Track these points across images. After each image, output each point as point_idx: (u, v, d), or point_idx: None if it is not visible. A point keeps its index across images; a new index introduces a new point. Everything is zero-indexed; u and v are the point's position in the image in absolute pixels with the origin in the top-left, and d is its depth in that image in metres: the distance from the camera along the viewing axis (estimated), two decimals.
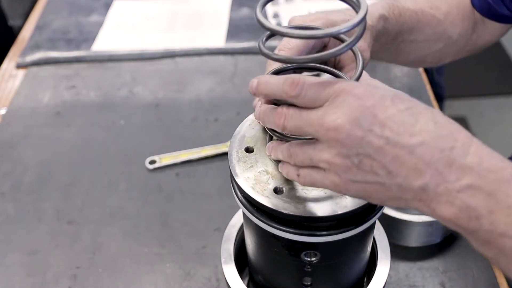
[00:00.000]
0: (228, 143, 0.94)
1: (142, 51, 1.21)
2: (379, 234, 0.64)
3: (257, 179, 0.50)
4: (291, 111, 0.45)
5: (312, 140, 0.44)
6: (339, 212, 0.47)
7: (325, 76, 0.51)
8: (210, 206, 0.87)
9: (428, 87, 1.09)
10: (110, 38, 1.26)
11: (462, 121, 2.31)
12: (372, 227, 0.56)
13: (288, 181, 0.49)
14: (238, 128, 0.56)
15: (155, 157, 0.95)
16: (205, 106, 1.07)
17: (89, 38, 1.26)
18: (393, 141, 0.41)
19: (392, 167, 0.41)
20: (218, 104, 1.07)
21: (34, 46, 1.24)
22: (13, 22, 1.85)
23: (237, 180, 0.50)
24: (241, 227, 0.66)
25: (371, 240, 0.59)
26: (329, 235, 0.49)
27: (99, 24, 1.31)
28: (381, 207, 0.50)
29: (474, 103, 2.41)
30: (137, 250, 0.81)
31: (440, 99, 1.53)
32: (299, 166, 0.46)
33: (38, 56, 1.20)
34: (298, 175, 0.46)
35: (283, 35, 0.44)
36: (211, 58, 1.19)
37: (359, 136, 0.41)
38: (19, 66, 1.19)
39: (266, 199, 0.48)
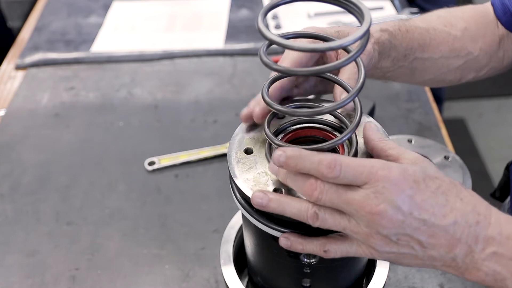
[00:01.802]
0: (227, 145, 0.94)
1: (141, 52, 1.21)
2: None
3: (256, 180, 0.50)
4: (327, 186, 0.46)
5: (342, 211, 0.47)
6: None
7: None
8: (209, 208, 0.87)
9: (427, 88, 1.09)
10: (109, 40, 1.26)
11: (461, 122, 2.31)
12: None
13: None
14: (237, 130, 0.56)
15: (154, 159, 0.95)
16: (204, 107, 1.07)
17: (88, 39, 1.26)
18: (430, 222, 0.45)
19: (427, 243, 0.46)
20: (217, 105, 1.07)
21: (33, 47, 1.24)
22: (12, 23, 1.86)
23: (236, 181, 0.50)
24: (240, 229, 0.66)
25: None
26: None
27: (98, 26, 1.31)
28: None
29: (473, 104, 2.41)
30: (136, 251, 0.81)
31: (439, 100, 1.53)
32: (324, 240, 0.49)
33: (37, 58, 1.20)
34: (325, 251, 0.48)
35: (284, 46, 0.44)
36: (210, 59, 1.19)
37: (400, 220, 0.45)
38: (18, 68, 1.19)
39: None
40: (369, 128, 0.51)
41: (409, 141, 0.86)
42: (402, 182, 0.45)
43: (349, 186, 0.46)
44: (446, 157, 0.83)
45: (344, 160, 0.45)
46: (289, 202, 0.47)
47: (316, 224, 0.46)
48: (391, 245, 0.46)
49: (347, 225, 0.46)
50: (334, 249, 0.48)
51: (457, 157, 0.83)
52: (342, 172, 0.45)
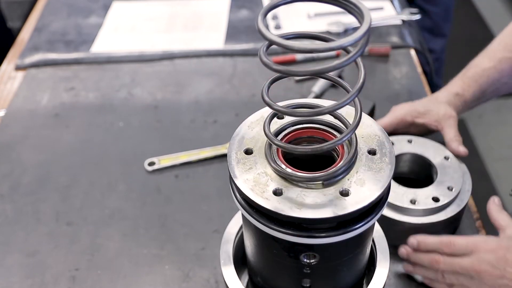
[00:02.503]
0: (227, 145, 0.94)
1: (141, 52, 1.21)
2: (378, 236, 0.64)
3: (256, 180, 0.50)
4: (443, 258, 0.71)
5: (463, 275, 0.70)
6: (338, 214, 0.47)
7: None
8: (209, 208, 0.87)
9: (427, 88, 1.09)
10: (109, 40, 1.26)
11: (461, 123, 2.31)
12: (371, 229, 0.56)
13: (287, 183, 0.49)
14: (237, 130, 0.55)
15: (154, 159, 0.95)
16: (204, 107, 1.07)
17: (88, 39, 1.26)
18: None
19: None
20: (217, 105, 1.07)
21: (33, 48, 1.24)
22: (12, 24, 1.86)
23: (236, 181, 0.50)
24: (240, 229, 0.66)
25: (370, 242, 0.59)
26: (328, 237, 0.49)
27: (98, 26, 1.31)
28: (380, 209, 0.50)
29: None
30: (136, 252, 0.81)
31: None
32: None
33: (37, 58, 1.20)
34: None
35: (284, 47, 0.44)
36: (210, 59, 1.19)
37: (498, 275, 0.67)
38: (18, 68, 1.19)
39: (265, 201, 0.48)
40: (492, 205, 0.76)
41: (409, 141, 0.86)
42: (496, 249, 0.68)
43: (461, 255, 0.69)
44: (446, 158, 0.83)
45: (456, 239, 0.70)
46: (423, 271, 0.74)
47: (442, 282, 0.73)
48: None
49: (464, 281, 0.70)
50: None
51: (457, 158, 0.83)
52: (457, 247, 0.70)
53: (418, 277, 0.76)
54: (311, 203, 0.48)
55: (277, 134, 0.53)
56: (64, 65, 1.19)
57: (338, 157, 0.52)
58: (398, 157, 0.85)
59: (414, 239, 0.73)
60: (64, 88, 1.13)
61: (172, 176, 0.93)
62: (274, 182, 0.49)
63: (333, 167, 0.50)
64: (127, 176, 0.93)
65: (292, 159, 0.52)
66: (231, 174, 0.50)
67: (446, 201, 0.77)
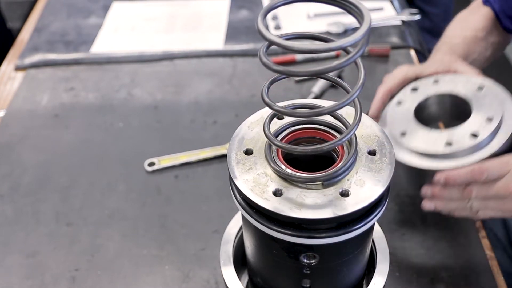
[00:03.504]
0: (226, 145, 0.94)
1: (140, 53, 1.21)
2: (378, 237, 0.64)
3: (256, 181, 0.50)
4: (476, 188, 0.66)
5: (490, 198, 0.66)
6: (338, 214, 0.47)
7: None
8: (209, 208, 0.87)
9: None
10: (108, 40, 1.26)
11: None
12: (371, 229, 0.56)
13: (287, 184, 0.49)
14: (237, 130, 0.55)
15: (154, 159, 0.95)
16: (204, 108, 1.07)
17: (87, 40, 1.26)
18: None
19: None
20: (217, 106, 1.07)
21: (32, 48, 1.24)
22: (11, 24, 1.86)
23: (236, 182, 0.50)
24: (240, 229, 0.66)
25: (370, 242, 0.59)
26: (328, 237, 0.49)
27: (98, 26, 1.31)
28: (380, 210, 0.51)
29: None
30: (136, 252, 0.81)
31: None
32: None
33: (37, 58, 1.20)
34: (476, 217, 0.70)
35: (283, 47, 0.44)
36: (210, 60, 1.19)
37: None
38: (18, 68, 1.19)
39: (265, 201, 0.48)
40: None
41: (436, 81, 0.77)
42: None
43: (495, 180, 0.64)
44: (480, 88, 0.73)
45: (488, 164, 0.65)
46: (450, 204, 0.69)
47: (472, 211, 0.68)
48: None
49: (494, 205, 0.66)
50: (483, 215, 0.68)
51: (494, 84, 0.74)
52: (490, 173, 0.64)
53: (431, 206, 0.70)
54: (311, 203, 0.48)
55: (277, 134, 0.54)
56: (64, 65, 1.19)
57: (338, 157, 0.52)
58: (423, 103, 0.77)
59: (440, 175, 0.66)
60: (64, 88, 1.13)
61: (172, 176, 0.93)
62: (274, 183, 0.49)
63: (333, 168, 0.50)
64: (127, 176, 0.93)
65: (292, 160, 0.52)
66: (231, 175, 0.51)
67: (486, 135, 0.67)
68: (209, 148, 0.96)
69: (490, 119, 0.68)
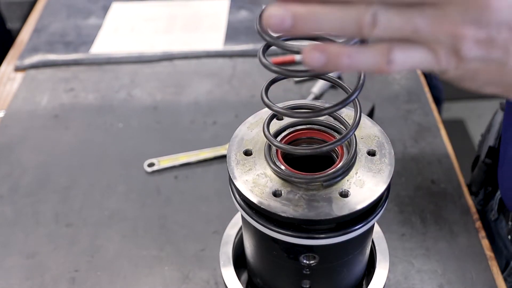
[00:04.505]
0: (226, 146, 0.94)
1: (140, 53, 1.21)
2: (378, 237, 0.64)
3: (255, 182, 0.50)
4: None
5: (416, 4, 0.32)
6: (338, 215, 0.47)
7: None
8: (209, 209, 0.87)
9: (426, 89, 1.09)
10: (108, 41, 1.26)
11: (460, 123, 2.31)
12: (370, 229, 0.56)
13: (287, 184, 0.49)
14: (236, 131, 0.56)
15: (154, 160, 0.95)
16: (204, 108, 1.07)
17: (87, 40, 1.26)
18: None
19: None
20: (217, 106, 1.07)
21: (32, 49, 1.24)
22: (11, 25, 1.86)
23: (235, 183, 0.50)
24: (240, 230, 0.66)
25: (370, 243, 0.59)
26: (328, 238, 0.49)
27: (98, 27, 1.31)
28: (379, 210, 0.50)
29: (472, 105, 2.41)
30: (135, 253, 0.81)
31: (438, 101, 1.53)
32: (388, 46, 0.34)
33: (37, 59, 1.20)
34: (389, 61, 0.34)
35: (283, 48, 0.44)
36: (210, 60, 1.19)
37: None
38: (18, 69, 1.19)
39: (264, 202, 0.48)
40: None
41: None
42: None
43: None
44: None
45: None
46: (326, 13, 0.32)
47: (374, 32, 0.32)
48: (483, 47, 0.33)
49: (421, 22, 0.32)
50: (401, 58, 0.34)
51: None
52: None
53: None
54: (311, 204, 0.48)
55: (276, 135, 0.54)
56: (64, 66, 1.19)
57: (338, 158, 0.52)
58: None
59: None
60: (64, 89, 1.13)
61: (171, 177, 0.93)
62: (274, 183, 0.49)
63: (332, 168, 0.50)
64: (127, 177, 0.93)
65: (291, 160, 0.52)
66: (231, 175, 0.51)
67: None
68: (208, 148, 0.96)
69: None
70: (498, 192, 0.87)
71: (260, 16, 0.38)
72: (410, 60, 0.34)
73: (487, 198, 0.93)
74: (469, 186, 0.92)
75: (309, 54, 0.33)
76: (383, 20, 0.32)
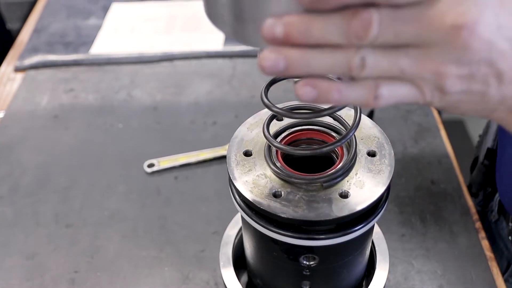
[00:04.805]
0: (226, 146, 0.94)
1: (140, 54, 1.21)
2: (378, 238, 0.64)
3: (255, 182, 0.50)
4: (385, 13, 0.32)
5: (401, 46, 0.34)
6: (338, 215, 0.47)
7: None
8: (209, 210, 0.87)
9: None
10: (108, 41, 1.26)
11: (460, 124, 2.31)
12: (370, 230, 0.56)
13: (287, 185, 0.49)
14: (236, 132, 0.56)
15: (154, 160, 0.95)
16: (204, 109, 1.07)
17: (87, 41, 1.26)
18: None
19: (507, 76, 0.35)
20: (217, 107, 1.07)
21: (32, 49, 1.24)
22: (11, 25, 1.86)
23: (235, 183, 0.50)
24: (240, 231, 0.66)
25: (370, 244, 0.59)
26: (328, 239, 0.49)
27: (97, 27, 1.31)
28: (379, 211, 0.50)
29: None
30: (135, 254, 0.81)
31: None
32: (375, 83, 0.35)
33: (36, 59, 1.20)
34: (376, 97, 0.35)
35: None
36: (210, 61, 1.19)
37: (489, 38, 0.33)
38: (17, 70, 1.19)
39: (264, 203, 0.48)
40: None
41: None
42: None
43: (415, 3, 0.32)
44: None
45: None
46: (318, 57, 0.34)
47: (363, 73, 0.34)
48: (465, 82, 0.35)
49: (407, 62, 0.34)
50: (388, 94, 0.36)
51: None
52: None
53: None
54: (311, 205, 0.48)
55: (276, 135, 0.54)
56: (64, 66, 1.19)
57: (338, 158, 0.52)
58: None
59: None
60: (64, 89, 1.13)
61: (171, 177, 0.93)
62: (274, 184, 0.50)
63: (332, 169, 0.50)
64: (127, 177, 0.93)
65: (291, 160, 0.52)
66: (231, 176, 0.51)
67: None
68: (208, 149, 0.96)
69: None
70: (498, 193, 0.87)
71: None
72: (396, 95, 0.36)
73: (487, 199, 0.93)
74: (469, 187, 0.92)
75: (302, 89, 0.36)
76: (371, 63, 0.34)
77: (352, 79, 0.35)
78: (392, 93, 0.36)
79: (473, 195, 0.94)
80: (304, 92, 0.36)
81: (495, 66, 0.35)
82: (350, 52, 0.34)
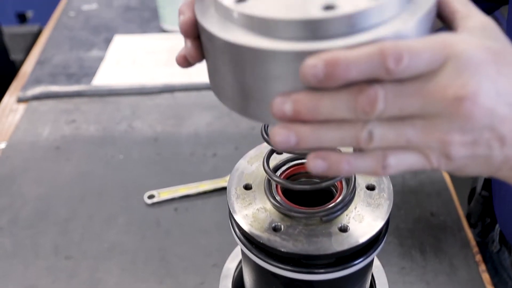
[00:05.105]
0: (226, 178, 0.94)
1: (141, 85, 1.22)
2: (377, 271, 0.64)
3: (255, 216, 0.50)
4: (389, 88, 0.34)
5: (406, 118, 0.35)
6: (337, 250, 0.47)
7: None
8: (208, 242, 0.87)
9: None
10: (110, 73, 1.28)
11: None
12: (370, 264, 0.56)
13: (286, 219, 0.50)
14: (236, 165, 0.56)
15: (154, 192, 0.95)
16: (203, 140, 1.08)
17: (89, 72, 1.27)
18: None
19: (509, 139, 0.37)
20: (216, 138, 1.08)
21: (35, 80, 1.25)
22: (14, 56, 1.88)
23: (235, 217, 0.50)
24: (240, 263, 0.66)
25: (369, 277, 0.59)
26: (327, 273, 0.49)
27: (100, 59, 1.32)
28: (379, 245, 0.51)
29: None
30: (135, 286, 0.81)
31: None
32: (383, 153, 0.37)
33: (39, 91, 1.21)
34: (384, 167, 0.37)
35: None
36: (210, 93, 1.20)
37: (490, 107, 0.35)
38: (20, 101, 1.20)
39: (264, 237, 0.48)
40: None
41: None
42: (484, 54, 0.35)
43: (416, 78, 0.34)
44: None
45: (409, 44, 0.33)
46: (327, 132, 0.35)
47: (370, 146, 0.36)
48: (469, 147, 0.36)
49: (413, 133, 0.35)
50: (396, 163, 0.37)
51: None
52: (413, 58, 0.33)
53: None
54: (310, 239, 0.48)
55: (276, 169, 0.54)
56: (66, 97, 1.20)
57: (337, 192, 0.53)
58: None
59: (316, 60, 0.33)
60: (65, 120, 1.14)
61: (171, 209, 0.93)
62: (273, 218, 0.50)
63: (331, 203, 0.50)
64: (127, 209, 0.93)
65: (291, 193, 0.53)
66: (231, 210, 0.51)
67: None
68: (208, 180, 0.96)
69: None
70: (498, 224, 0.87)
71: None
72: (404, 164, 0.37)
73: (486, 229, 0.93)
74: (467, 218, 0.92)
75: (313, 161, 0.37)
76: (378, 136, 0.36)
77: (360, 150, 0.37)
78: (400, 162, 0.37)
79: (471, 225, 0.94)
80: (315, 165, 0.37)
81: (497, 131, 0.36)
82: (357, 127, 0.35)
